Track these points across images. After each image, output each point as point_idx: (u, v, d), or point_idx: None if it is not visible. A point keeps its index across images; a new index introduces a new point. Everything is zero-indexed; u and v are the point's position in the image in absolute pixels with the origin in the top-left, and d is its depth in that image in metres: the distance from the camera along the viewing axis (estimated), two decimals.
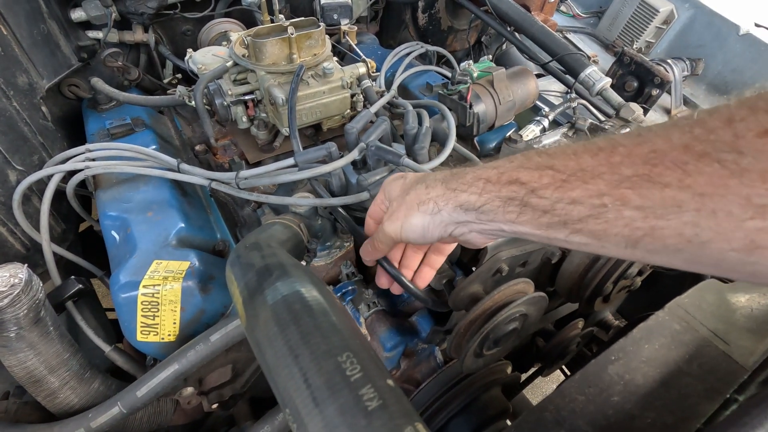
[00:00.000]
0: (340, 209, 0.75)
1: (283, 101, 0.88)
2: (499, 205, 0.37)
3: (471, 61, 1.00)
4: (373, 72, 1.05)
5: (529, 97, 1.01)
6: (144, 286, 0.71)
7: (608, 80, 1.02)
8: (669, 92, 1.41)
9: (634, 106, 0.97)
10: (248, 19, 1.40)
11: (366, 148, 0.77)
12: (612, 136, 0.32)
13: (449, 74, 1.36)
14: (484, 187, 0.38)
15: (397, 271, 0.59)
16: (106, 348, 0.85)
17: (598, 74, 1.03)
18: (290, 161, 0.78)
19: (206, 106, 0.97)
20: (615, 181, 0.29)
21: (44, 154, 1.01)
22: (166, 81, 1.41)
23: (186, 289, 0.72)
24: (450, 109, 0.91)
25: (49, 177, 0.86)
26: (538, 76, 1.56)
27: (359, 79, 1.00)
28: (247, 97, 0.95)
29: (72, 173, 0.88)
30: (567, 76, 1.17)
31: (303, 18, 0.96)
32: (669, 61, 1.46)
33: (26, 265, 0.71)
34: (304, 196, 0.74)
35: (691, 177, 0.26)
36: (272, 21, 1.03)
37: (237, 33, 1.06)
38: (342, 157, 0.75)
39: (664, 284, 0.94)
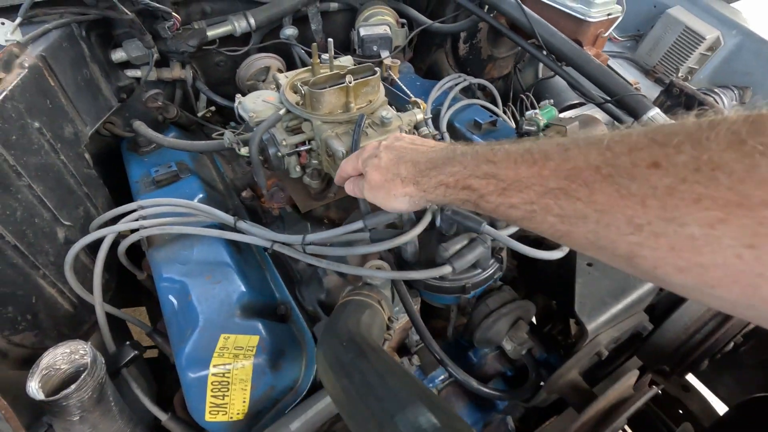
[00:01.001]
0: (402, 283, 0.72)
1: (344, 154, 0.84)
2: (459, 204, 0.48)
3: (538, 111, 0.96)
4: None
5: None
6: (214, 365, 0.67)
7: None
8: None
9: None
10: (283, 51, 1.36)
11: (439, 212, 0.73)
12: (546, 147, 0.37)
13: (493, 107, 1.32)
14: (445, 191, 0.48)
15: (466, 375, 0.57)
16: (163, 417, 0.82)
17: (661, 117, 0.99)
18: (359, 224, 0.74)
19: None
20: (542, 192, 0.36)
21: (89, 204, 0.97)
22: (200, 115, 1.37)
23: (257, 366, 0.68)
24: None
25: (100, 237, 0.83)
26: (579, 105, 1.52)
27: (416, 126, 0.97)
28: (302, 148, 0.91)
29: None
30: (620, 113, 1.12)
31: (359, 65, 0.93)
32: (717, 90, 1.42)
33: (89, 342, 0.68)
34: (380, 267, 0.70)
35: (595, 195, 0.32)
36: (320, 61, 0.99)
37: (284, 75, 1.03)
38: (414, 222, 0.71)
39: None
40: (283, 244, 0.78)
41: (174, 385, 1.22)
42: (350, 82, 0.87)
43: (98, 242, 0.86)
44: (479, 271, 0.72)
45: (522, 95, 1.52)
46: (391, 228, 0.75)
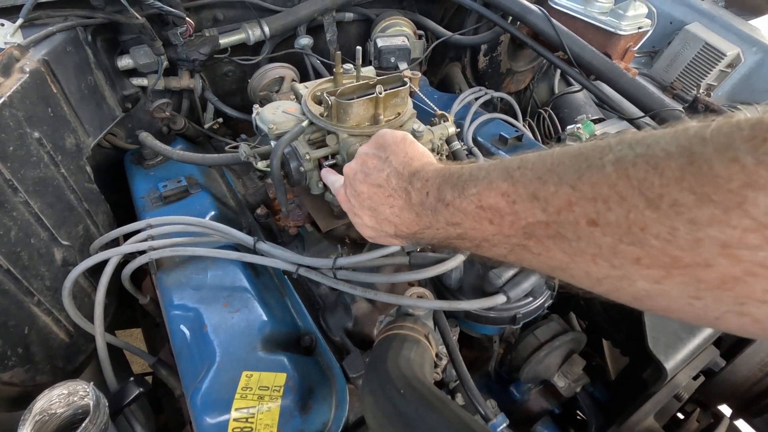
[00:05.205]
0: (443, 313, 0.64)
1: None
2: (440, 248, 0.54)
3: (580, 125, 0.91)
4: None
5: None
6: (236, 409, 0.59)
7: None
8: None
9: None
10: (295, 61, 1.30)
11: None
12: (493, 200, 0.36)
13: (515, 122, 1.27)
14: (434, 247, 0.52)
15: None
16: None
17: None
18: (395, 247, 0.67)
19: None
20: (508, 248, 0.37)
21: (89, 222, 0.89)
22: (206, 126, 1.31)
23: (285, 409, 0.60)
24: None
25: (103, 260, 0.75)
26: (598, 120, 1.48)
27: (448, 140, 0.91)
28: (326, 163, 0.84)
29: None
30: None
31: (388, 75, 0.87)
32: (739, 107, 1.39)
33: (92, 383, 0.59)
34: (422, 295, 0.63)
35: (551, 252, 0.33)
36: (343, 72, 0.93)
37: (303, 85, 0.96)
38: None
39: None
40: (311, 268, 0.71)
41: (175, 415, 1.12)
42: (381, 93, 0.80)
43: (99, 264, 0.78)
44: (530, 299, 0.66)
45: (540, 110, 1.48)
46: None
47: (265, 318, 0.71)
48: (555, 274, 0.35)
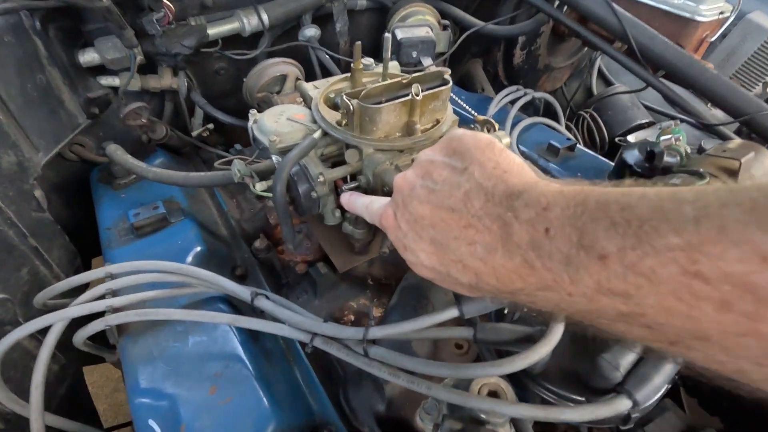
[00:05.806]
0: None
1: None
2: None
3: (680, 137, 0.71)
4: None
5: None
6: None
7: None
8: None
9: None
10: (297, 56, 1.11)
11: None
12: (760, 277, 0.20)
13: (559, 127, 1.08)
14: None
15: None
16: None
17: None
18: (453, 312, 0.48)
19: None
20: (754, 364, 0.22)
21: (37, 261, 0.69)
22: (194, 134, 1.11)
23: None
24: None
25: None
26: (647, 125, 1.29)
27: None
28: (346, 187, 0.64)
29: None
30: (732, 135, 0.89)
31: (424, 71, 0.67)
32: None
33: None
34: (494, 388, 0.43)
35: None
36: (364, 68, 0.74)
37: (312, 85, 0.77)
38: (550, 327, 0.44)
39: None
40: (332, 339, 0.51)
41: None
42: (418, 95, 0.61)
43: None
44: None
45: (582, 112, 1.28)
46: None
47: (267, 406, 0.51)
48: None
